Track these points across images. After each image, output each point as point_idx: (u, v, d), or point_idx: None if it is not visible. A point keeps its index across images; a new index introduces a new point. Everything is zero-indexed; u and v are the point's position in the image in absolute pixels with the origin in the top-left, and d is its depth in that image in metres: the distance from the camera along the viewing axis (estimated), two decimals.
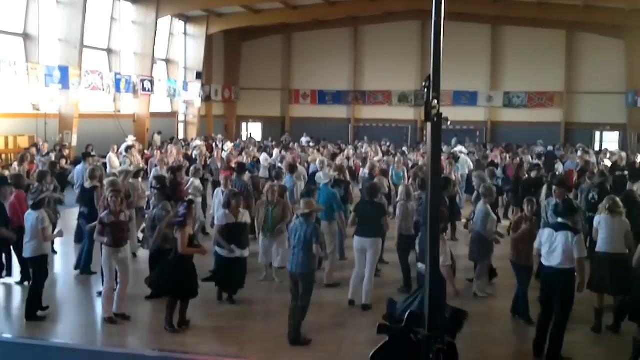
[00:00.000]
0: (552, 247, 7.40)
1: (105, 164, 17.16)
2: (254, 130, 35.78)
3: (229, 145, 24.45)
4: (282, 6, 29.19)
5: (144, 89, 25.32)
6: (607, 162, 18.56)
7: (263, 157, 19.25)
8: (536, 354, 7.55)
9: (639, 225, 9.20)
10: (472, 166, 17.75)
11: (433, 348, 3.59)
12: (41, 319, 8.44)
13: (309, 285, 7.88)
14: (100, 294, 9.16)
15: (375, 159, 18.97)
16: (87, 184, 11.09)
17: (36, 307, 8.49)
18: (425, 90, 4.10)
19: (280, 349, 7.68)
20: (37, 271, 8.64)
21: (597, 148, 28.83)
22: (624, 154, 20.78)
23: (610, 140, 31.20)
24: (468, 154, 20.17)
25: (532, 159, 21.16)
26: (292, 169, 13.80)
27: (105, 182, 10.62)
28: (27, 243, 8.54)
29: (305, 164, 18.42)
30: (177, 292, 8.16)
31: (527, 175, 14.82)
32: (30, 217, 8.56)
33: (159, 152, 20.97)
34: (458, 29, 29.69)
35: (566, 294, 7.36)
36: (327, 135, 30.84)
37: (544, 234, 7.63)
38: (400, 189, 10.63)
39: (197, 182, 13.11)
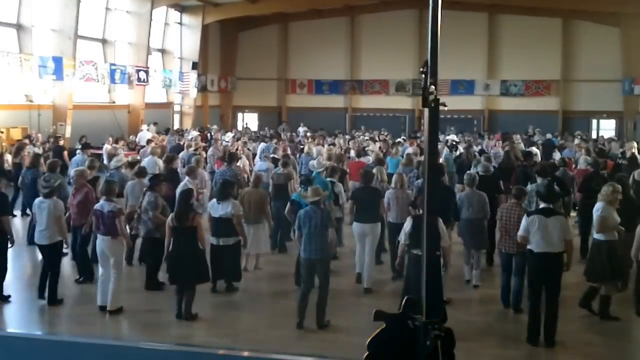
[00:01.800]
0: (546, 233, 7.45)
1: (99, 155, 17.02)
2: (250, 121, 35.64)
3: (229, 135, 24.42)
4: None
5: (139, 80, 25.17)
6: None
7: (260, 147, 19.15)
8: (532, 341, 7.58)
9: (628, 210, 9.08)
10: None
11: (430, 335, 3.55)
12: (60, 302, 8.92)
13: (326, 271, 8.13)
14: (78, 281, 9.76)
15: (375, 147, 18.94)
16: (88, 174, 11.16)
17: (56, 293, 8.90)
18: (423, 76, 3.99)
19: (280, 338, 7.77)
20: (56, 258, 9.02)
21: (594, 136, 28.81)
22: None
23: (607, 128, 31.18)
24: (456, 144, 20.14)
25: (525, 147, 21.09)
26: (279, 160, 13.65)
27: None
28: (42, 231, 8.81)
29: (297, 154, 18.35)
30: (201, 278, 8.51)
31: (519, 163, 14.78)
32: (44, 205, 8.82)
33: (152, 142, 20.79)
34: (455, 18, 29.57)
35: (558, 278, 7.58)
36: (324, 125, 30.70)
37: (536, 220, 7.56)
38: (394, 177, 10.67)
39: (205, 174, 13.28)
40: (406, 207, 9.79)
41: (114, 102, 25.78)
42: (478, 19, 32.17)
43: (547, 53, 31.39)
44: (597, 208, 8.48)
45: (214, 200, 9.65)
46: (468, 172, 11.28)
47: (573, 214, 13.38)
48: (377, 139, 23.27)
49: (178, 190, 9.80)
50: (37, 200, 9.07)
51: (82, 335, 7.87)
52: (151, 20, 25.94)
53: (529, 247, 7.64)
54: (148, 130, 24.23)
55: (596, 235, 8.49)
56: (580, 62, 31.46)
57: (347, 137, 25.16)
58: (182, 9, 30.07)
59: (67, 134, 21.59)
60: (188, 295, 8.31)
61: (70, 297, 9.30)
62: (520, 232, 7.74)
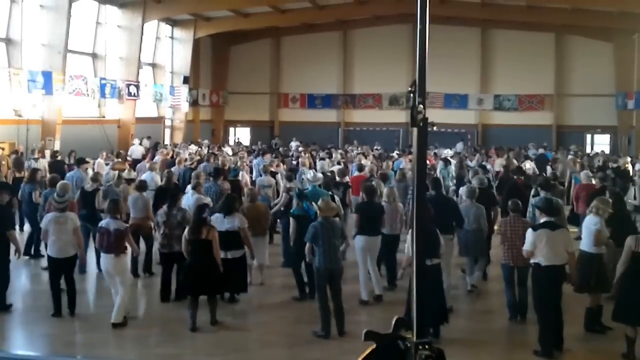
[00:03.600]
0: (553, 247, 7.73)
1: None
2: (242, 135, 35.44)
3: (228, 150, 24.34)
4: (271, 10, 28.95)
5: (129, 94, 24.93)
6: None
7: (256, 162, 19.04)
8: (549, 354, 7.70)
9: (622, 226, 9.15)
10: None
11: (421, 355, 3.54)
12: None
13: (340, 280, 8.58)
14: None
15: (366, 162, 18.77)
16: (88, 187, 11.97)
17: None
18: (411, 95, 4.02)
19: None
20: (72, 271, 9.24)
21: (588, 150, 28.77)
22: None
23: (601, 143, 31.14)
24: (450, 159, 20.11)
25: (520, 162, 21.05)
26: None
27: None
28: (60, 244, 8.96)
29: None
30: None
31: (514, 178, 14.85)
32: (62, 219, 9.05)
33: (147, 157, 20.63)
34: (448, 33, 29.66)
35: (561, 289, 7.97)
36: (317, 139, 30.57)
37: (543, 235, 7.75)
38: (385, 190, 11.06)
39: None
40: (397, 220, 10.49)
41: (103, 117, 25.52)
42: (471, 33, 32.21)
43: (541, 68, 31.41)
44: (594, 222, 8.51)
45: (219, 214, 9.69)
46: (468, 185, 11.52)
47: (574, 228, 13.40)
48: (366, 154, 23.10)
49: (187, 204, 10.33)
50: (51, 215, 9.19)
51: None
52: (142, 34, 25.76)
53: (535, 260, 7.82)
54: (141, 144, 24.10)
55: (587, 248, 8.53)
56: (573, 76, 31.48)
57: (340, 151, 24.98)
58: (174, 23, 29.94)
59: (57, 149, 21.27)
60: (212, 305, 8.73)
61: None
62: (527, 247, 7.90)
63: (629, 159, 19.19)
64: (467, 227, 10.11)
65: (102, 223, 8.91)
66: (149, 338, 8.65)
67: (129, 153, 21.68)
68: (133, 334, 8.60)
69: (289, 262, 11.27)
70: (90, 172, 14.05)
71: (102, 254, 8.95)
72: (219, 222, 9.48)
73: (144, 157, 21.19)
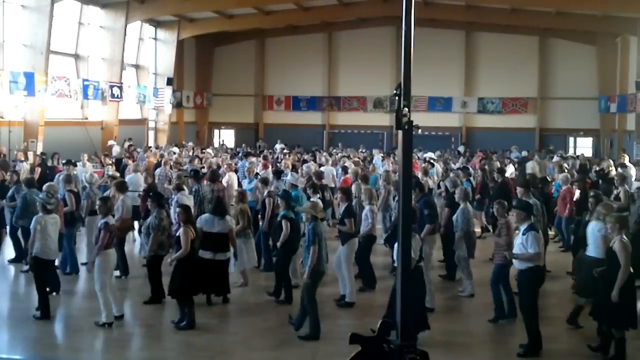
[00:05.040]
0: (542, 248, 8.09)
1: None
2: (227, 138, 35.30)
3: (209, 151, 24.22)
4: (255, 11, 28.87)
5: (112, 96, 24.72)
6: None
7: (241, 164, 18.97)
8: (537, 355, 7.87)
9: None
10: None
11: (406, 358, 3.60)
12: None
13: None
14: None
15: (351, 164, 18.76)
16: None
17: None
18: (396, 98, 4.06)
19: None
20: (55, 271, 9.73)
21: (570, 153, 28.94)
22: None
23: (584, 146, 31.39)
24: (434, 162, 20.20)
25: (505, 164, 21.17)
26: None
27: None
28: (52, 246, 9.17)
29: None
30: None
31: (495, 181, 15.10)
32: (53, 220, 9.24)
33: (130, 159, 20.44)
34: (432, 35, 29.78)
35: None
36: (301, 141, 30.55)
37: (540, 237, 8.02)
38: (364, 191, 11.08)
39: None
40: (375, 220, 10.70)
41: (86, 119, 25.28)
42: (455, 36, 32.33)
43: (524, 71, 31.61)
44: (599, 228, 8.48)
45: (209, 215, 9.74)
46: (460, 186, 11.51)
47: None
48: (351, 156, 23.06)
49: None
50: (46, 216, 9.12)
51: None
52: (125, 35, 25.59)
53: (537, 263, 7.94)
54: (116, 144, 24.16)
55: (593, 253, 8.49)
56: (556, 80, 31.72)
57: (325, 154, 24.93)
58: (157, 24, 29.75)
59: (39, 151, 21.04)
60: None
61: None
62: (539, 249, 7.89)
63: (612, 162, 19.28)
64: (468, 229, 10.29)
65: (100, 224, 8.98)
66: (132, 340, 8.59)
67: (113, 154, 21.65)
68: (116, 336, 8.51)
69: (269, 266, 11.29)
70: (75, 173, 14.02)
71: None
72: (209, 223, 9.49)
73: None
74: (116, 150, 23.42)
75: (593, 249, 8.54)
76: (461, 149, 28.88)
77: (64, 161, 18.04)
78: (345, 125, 34.03)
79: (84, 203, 11.62)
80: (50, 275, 9.60)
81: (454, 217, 10.45)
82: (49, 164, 18.39)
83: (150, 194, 10.80)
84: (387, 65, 32.09)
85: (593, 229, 8.62)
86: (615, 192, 13.10)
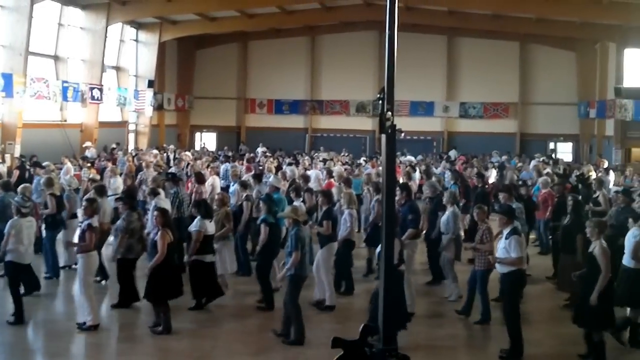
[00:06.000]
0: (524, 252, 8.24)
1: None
2: (208, 141, 35.10)
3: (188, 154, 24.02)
4: (238, 14, 28.75)
5: (92, 98, 24.45)
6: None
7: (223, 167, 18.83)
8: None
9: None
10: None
11: None
12: None
13: None
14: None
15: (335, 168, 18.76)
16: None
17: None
18: (380, 102, 4.09)
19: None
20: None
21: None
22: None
23: (564, 151, 31.68)
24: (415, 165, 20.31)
25: (487, 169, 21.32)
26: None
27: None
28: (28, 250, 9.07)
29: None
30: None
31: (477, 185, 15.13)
32: (30, 223, 9.10)
33: (109, 162, 20.25)
34: (415, 40, 29.90)
35: None
36: (284, 145, 30.46)
37: (523, 241, 8.20)
38: (344, 196, 11.11)
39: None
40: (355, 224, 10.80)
41: (65, 121, 24.96)
42: (438, 41, 32.47)
43: (505, 76, 31.84)
44: (635, 235, 8.41)
45: (202, 219, 9.61)
46: (450, 189, 11.73)
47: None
48: (335, 160, 23.05)
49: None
50: (21, 220, 8.92)
51: None
52: (106, 37, 25.33)
53: (520, 267, 7.98)
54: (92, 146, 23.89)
55: (629, 263, 8.43)
56: (537, 85, 31.99)
57: (307, 157, 24.88)
58: (139, 25, 29.50)
59: (17, 154, 20.75)
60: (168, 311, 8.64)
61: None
62: (518, 254, 7.88)
63: (591, 167, 19.50)
64: (457, 232, 10.43)
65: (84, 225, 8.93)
66: (110, 345, 8.47)
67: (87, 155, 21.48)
68: (94, 340, 8.39)
69: (246, 270, 11.24)
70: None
71: None
72: (206, 226, 9.57)
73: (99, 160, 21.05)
74: (92, 152, 23.15)
75: (626, 258, 8.45)
76: (452, 153, 28.87)
77: (29, 163, 17.92)
78: (327, 129, 33.99)
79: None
80: (27, 278, 9.46)
81: (444, 220, 10.43)
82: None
83: (123, 196, 10.76)
84: (370, 69, 32.15)
85: (634, 236, 8.46)
86: (594, 196, 13.24)
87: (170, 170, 16.76)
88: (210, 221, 9.71)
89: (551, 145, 32.46)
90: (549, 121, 31.55)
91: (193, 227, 9.60)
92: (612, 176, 19.05)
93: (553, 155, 27.64)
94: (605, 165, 21.74)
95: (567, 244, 9.97)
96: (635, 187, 15.18)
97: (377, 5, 25.68)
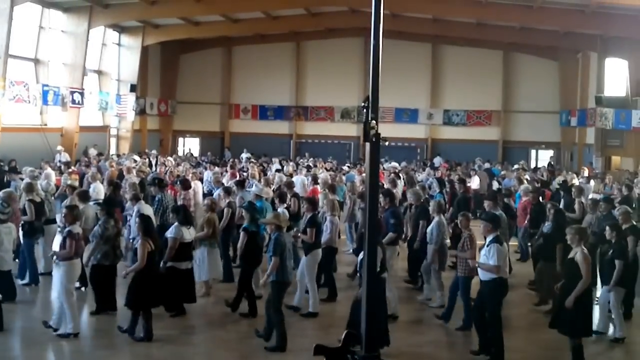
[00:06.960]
0: (506, 260, 8.22)
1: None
2: (191, 146, 34.90)
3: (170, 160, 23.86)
4: (223, 19, 28.63)
5: (73, 102, 24.18)
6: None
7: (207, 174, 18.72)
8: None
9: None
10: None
11: None
12: None
13: None
14: None
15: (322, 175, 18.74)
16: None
17: None
18: (364, 110, 4.09)
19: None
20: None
21: (532, 166, 29.45)
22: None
23: (546, 159, 31.94)
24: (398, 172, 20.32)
25: (470, 176, 21.38)
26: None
27: None
28: (6, 256, 9.14)
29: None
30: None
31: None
32: (8, 230, 9.22)
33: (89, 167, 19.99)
34: (399, 47, 30.04)
35: None
36: (268, 151, 30.37)
37: (498, 249, 7.97)
38: (326, 202, 11.13)
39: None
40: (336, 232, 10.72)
41: (46, 125, 24.66)
42: (422, 49, 32.63)
43: (489, 84, 32.08)
44: None
45: (179, 226, 9.52)
46: (435, 200, 11.73)
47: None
48: (319, 166, 23.02)
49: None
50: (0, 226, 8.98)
51: None
52: (88, 40, 25.07)
53: (500, 275, 7.92)
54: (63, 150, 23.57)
55: None
56: (520, 93, 32.27)
57: (292, 163, 24.85)
58: (121, 29, 29.29)
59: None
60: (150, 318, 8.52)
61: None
62: (499, 262, 7.85)
63: (574, 175, 19.68)
64: (443, 241, 10.39)
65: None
66: (90, 353, 8.31)
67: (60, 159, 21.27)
68: (73, 348, 8.26)
69: (228, 276, 11.15)
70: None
71: None
72: (185, 232, 9.49)
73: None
74: (65, 156, 22.87)
75: None
76: (437, 160, 28.99)
77: (6, 168, 17.67)
78: (312, 135, 33.99)
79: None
80: (5, 285, 9.30)
81: (429, 230, 10.44)
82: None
83: (102, 201, 10.71)
84: (355, 75, 32.21)
85: None
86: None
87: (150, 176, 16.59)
88: (189, 228, 9.61)
89: (533, 153, 32.74)
90: (531, 129, 31.82)
91: (169, 234, 9.49)
92: (591, 183, 19.22)
93: (535, 164, 27.75)
94: (586, 173, 21.96)
95: (547, 251, 10.03)
96: (614, 194, 15.30)
97: (362, 12, 25.74)
